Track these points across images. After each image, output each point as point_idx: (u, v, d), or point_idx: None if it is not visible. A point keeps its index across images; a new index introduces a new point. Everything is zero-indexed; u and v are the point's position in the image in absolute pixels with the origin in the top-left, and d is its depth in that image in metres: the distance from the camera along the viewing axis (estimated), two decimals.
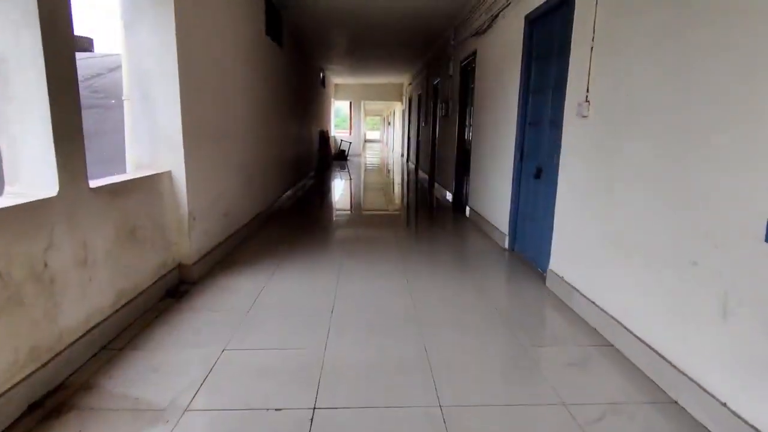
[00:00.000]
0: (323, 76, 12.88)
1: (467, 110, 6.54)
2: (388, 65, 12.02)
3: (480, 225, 5.32)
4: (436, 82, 9.12)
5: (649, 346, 2.15)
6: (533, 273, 3.66)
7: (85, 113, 4.42)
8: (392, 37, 8.34)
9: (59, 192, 2.06)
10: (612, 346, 2.44)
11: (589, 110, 2.77)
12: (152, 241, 2.97)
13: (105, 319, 2.41)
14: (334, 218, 6.12)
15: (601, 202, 2.63)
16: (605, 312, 2.54)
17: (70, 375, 2.10)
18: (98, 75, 5.47)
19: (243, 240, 4.56)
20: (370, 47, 9.38)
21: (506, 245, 4.34)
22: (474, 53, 5.81)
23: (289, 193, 7.34)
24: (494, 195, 4.82)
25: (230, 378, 2.13)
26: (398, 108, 19.83)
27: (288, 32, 7.15)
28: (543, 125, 3.65)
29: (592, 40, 2.73)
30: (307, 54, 9.51)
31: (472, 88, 6.15)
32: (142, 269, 2.83)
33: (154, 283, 2.97)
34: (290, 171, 7.60)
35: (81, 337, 2.21)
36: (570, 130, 3.05)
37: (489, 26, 4.98)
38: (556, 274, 3.20)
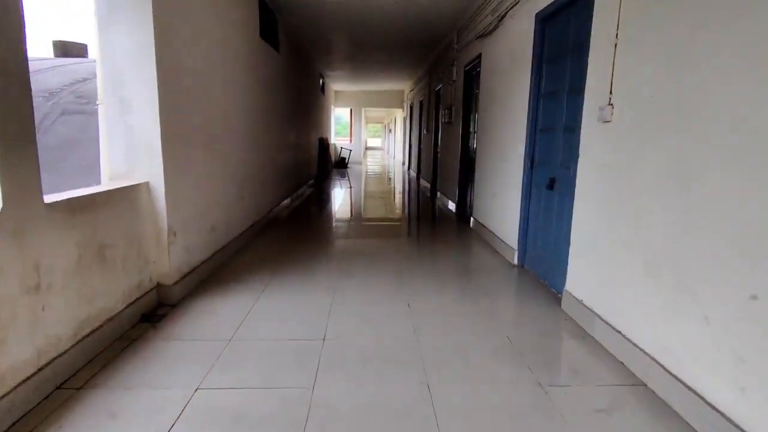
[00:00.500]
0: (323, 83, 12.65)
1: (471, 116, 6.27)
2: (388, 71, 11.79)
3: (486, 238, 5.01)
4: (438, 88, 8.86)
5: (693, 391, 1.83)
6: (546, 293, 3.34)
7: (68, 119, 4.07)
8: (393, 42, 8.10)
9: (3, 208, 1.77)
10: (644, 385, 2.12)
11: (612, 114, 2.47)
12: (125, 260, 2.67)
13: (62, 354, 2.11)
14: (332, 229, 5.82)
15: (629, 219, 2.32)
16: (634, 344, 2.22)
17: (13, 423, 1.79)
18: (84, 80, 5.21)
19: (233, 254, 4.26)
20: (371, 52, 9.14)
21: (515, 261, 4.03)
22: (479, 57, 5.54)
23: (286, 201, 7.05)
24: (501, 206, 4.51)
25: (201, 426, 1.81)
26: (399, 115, 19.61)
27: (285, 36, 6.91)
28: (556, 132, 3.35)
29: (616, 36, 2.44)
30: (306, 59, 9.28)
31: (477, 94, 5.87)
32: (111, 292, 2.53)
33: (126, 308, 2.67)
34: (288, 179, 7.32)
35: (30, 377, 1.90)
36: (589, 136, 2.75)
37: (495, 27, 4.71)
38: (573, 296, 2.88)
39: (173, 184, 3.07)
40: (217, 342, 2.51)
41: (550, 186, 3.38)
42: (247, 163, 4.86)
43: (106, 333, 2.47)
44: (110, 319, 2.51)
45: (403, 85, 15.38)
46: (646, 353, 2.13)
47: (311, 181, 10.58)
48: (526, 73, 3.85)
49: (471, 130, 6.30)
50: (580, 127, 2.85)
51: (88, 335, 2.30)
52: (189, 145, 3.33)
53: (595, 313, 2.59)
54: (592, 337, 2.59)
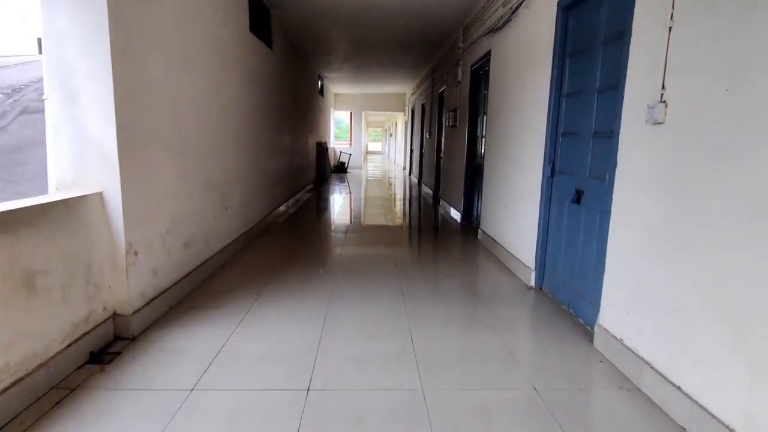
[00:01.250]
0: (322, 85, 12.22)
1: (479, 119, 5.80)
2: (390, 73, 11.36)
3: (496, 253, 4.53)
4: (441, 89, 8.41)
5: None
6: (572, 325, 2.86)
7: (30, 119, 3.63)
8: (394, 41, 7.65)
9: None
10: None
11: (665, 114, 2.00)
12: (67, 289, 2.19)
13: None
14: (327, 241, 5.35)
15: (701, 259, 1.84)
16: (707, 411, 1.74)
17: None
18: None
19: (214, 272, 3.78)
20: (372, 52, 8.70)
21: (531, 282, 3.55)
22: (487, 54, 5.08)
23: (281, 209, 6.58)
24: (515, 219, 4.03)
25: None
26: (400, 119, 19.18)
27: (280, 33, 6.45)
28: (583, 136, 2.88)
29: (671, 18, 1.97)
30: (304, 59, 8.84)
31: (485, 95, 5.41)
32: (44, 331, 2.05)
33: (68, 347, 2.19)
34: (282, 185, 6.86)
35: None
36: (632, 141, 2.27)
37: (508, 21, 4.25)
38: (610, 333, 2.40)
39: (134, 195, 2.60)
40: (175, 393, 2.03)
41: (577, 199, 2.90)
42: (232, 169, 4.39)
43: (39, 382, 1.98)
44: (44, 364, 2.02)
45: (404, 88, 14.95)
46: (724, 424, 1.65)
47: (309, 187, 10.11)
48: (544, 70, 3.38)
49: (478, 133, 5.84)
50: (617, 131, 2.38)
51: (7, 388, 1.82)
52: (155, 148, 2.85)
53: (644, 360, 2.11)
54: (641, 391, 2.10)
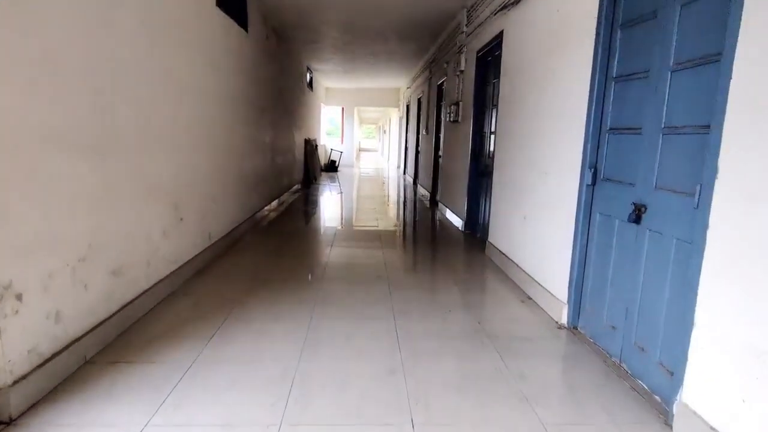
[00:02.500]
0: (311, 77, 11.39)
1: (486, 113, 5.03)
2: (384, 65, 10.55)
3: (511, 274, 3.77)
4: (441, 81, 7.63)
5: None
6: (630, 390, 2.10)
7: None
8: (390, 27, 6.86)
9: None
10: None
11: None
12: None
13: None
14: (308, 256, 4.56)
15: None
16: None
17: None
18: None
19: (157, 306, 2.98)
20: (364, 40, 7.89)
21: (563, 319, 2.79)
22: (498, 37, 4.31)
23: (260, 213, 5.76)
24: (538, 235, 3.27)
25: None
26: (394, 115, 18.39)
27: (258, 14, 5.63)
28: (647, 132, 2.12)
29: None
30: (289, 48, 8.01)
31: (494, 85, 4.64)
32: None
33: None
34: (262, 187, 6.05)
35: None
36: (748, 139, 1.51)
37: None
38: (705, 422, 1.64)
39: (11, 214, 1.80)
40: None
41: (635, 218, 2.14)
42: (190, 172, 3.59)
43: None
44: None
45: (398, 83, 14.15)
46: None
47: (296, 187, 9.30)
48: (583, 47, 2.62)
49: (485, 130, 5.07)
50: (717, 125, 1.62)
51: None
52: (56, 149, 2.05)
53: None
54: None
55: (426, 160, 9.27)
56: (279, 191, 7.48)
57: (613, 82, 2.42)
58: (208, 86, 3.94)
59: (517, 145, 3.78)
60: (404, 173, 13.94)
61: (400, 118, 15.40)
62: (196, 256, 3.69)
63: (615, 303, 2.36)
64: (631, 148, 2.25)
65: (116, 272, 2.54)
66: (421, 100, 10.16)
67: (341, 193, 9.98)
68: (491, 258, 4.36)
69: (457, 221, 5.96)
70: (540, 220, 3.23)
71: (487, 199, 4.83)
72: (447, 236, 5.51)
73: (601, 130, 2.51)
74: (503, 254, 4.00)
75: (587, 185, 2.58)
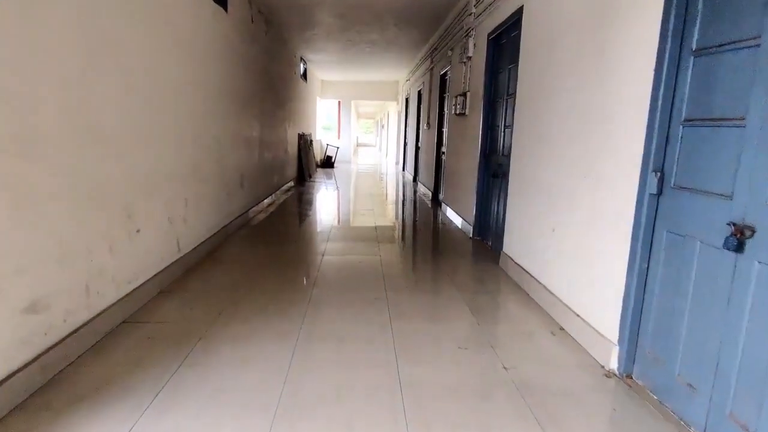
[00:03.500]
0: (305, 69, 10.73)
1: (500, 105, 4.41)
2: (382, 56, 9.90)
3: (534, 294, 3.17)
4: (444, 71, 7.00)
5: None
6: None
7: None
8: (389, 13, 6.21)
9: None
10: None
11: None
12: None
13: None
14: (295, 267, 3.95)
15: None
16: None
17: None
18: None
19: (101, 339, 2.37)
20: (361, 28, 7.24)
21: (612, 364, 2.19)
22: (517, 14, 3.69)
23: (246, 215, 5.14)
24: (574, 254, 2.67)
25: None
26: (393, 109, 17.73)
27: None
28: (753, 124, 1.51)
29: None
30: (281, 35, 7.35)
31: (510, 71, 4.02)
32: None
33: None
34: (248, 186, 5.42)
35: None
36: None
37: None
38: None
39: None
40: None
41: (736, 244, 1.53)
42: (151, 172, 2.96)
43: None
44: None
45: (397, 75, 13.50)
46: None
47: (288, 185, 8.67)
48: (647, 10, 2.00)
49: (498, 123, 4.45)
50: None
51: None
52: None
53: None
54: None
55: (427, 157, 8.65)
56: (268, 190, 6.85)
57: (693, 57, 1.81)
58: (174, 70, 3.30)
59: (543, 142, 3.16)
60: (403, 170, 13.32)
61: (399, 113, 14.75)
62: (159, 272, 3.08)
63: (695, 353, 1.76)
64: (724, 145, 1.64)
65: (33, 308, 1.92)
66: (422, 92, 9.52)
67: (337, 189, 9.38)
68: (507, 272, 3.76)
69: (464, 225, 5.36)
70: (578, 235, 2.63)
71: (501, 203, 4.23)
72: (453, 243, 4.90)
73: (672, 121, 1.90)
74: (524, 270, 3.40)
75: (650, 194, 1.98)
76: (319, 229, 5.47)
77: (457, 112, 5.64)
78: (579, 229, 2.61)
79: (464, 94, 5.41)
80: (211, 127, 4.15)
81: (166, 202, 3.22)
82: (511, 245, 3.77)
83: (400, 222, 6.26)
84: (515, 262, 3.61)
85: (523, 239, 3.51)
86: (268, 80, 6.69)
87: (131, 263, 2.74)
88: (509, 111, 4.10)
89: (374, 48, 8.96)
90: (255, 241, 4.67)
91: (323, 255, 4.21)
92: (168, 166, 3.23)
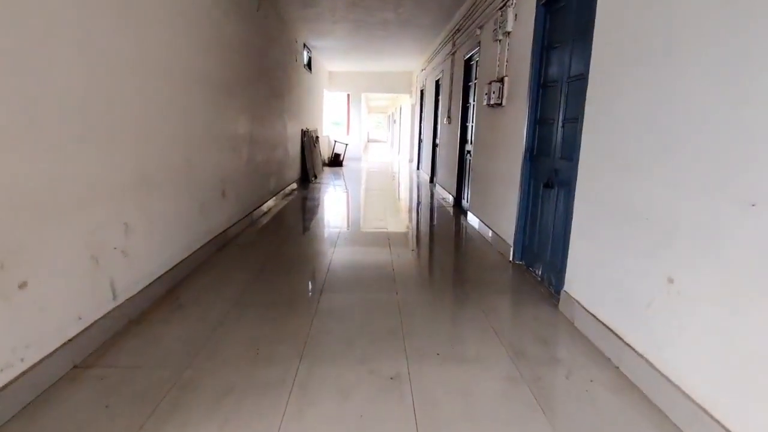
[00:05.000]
0: (309, 57, 9.68)
1: (554, 92, 3.31)
2: (395, 41, 8.80)
3: (631, 373, 2.11)
4: (470, 54, 5.90)
5: None
6: None
7: None
8: None
9: None
10: None
11: None
12: None
13: None
14: (280, 312, 2.92)
15: None
16: None
17: None
18: None
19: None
20: (372, 3, 6.16)
21: None
22: None
23: (228, 232, 4.13)
24: (731, 335, 1.59)
25: None
26: (406, 102, 16.63)
27: None
28: None
29: None
30: (278, 15, 6.31)
31: (574, 45, 2.92)
32: None
33: None
34: (232, 195, 4.41)
35: None
36: None
37: None
38: None
39: None
40: None
41: None
42: (29, 193, 1.95)
43: None
44: None
45: (411, 65, 12.39)
46: None
47: (291, 187, 7.66)
48: None
49: (552, 116, 3.35)
50: None
51: None
52: None
53: None
54: None
55: (448, 156, 7.55)
56: (262, 197, 5.84)
57: None
58: (114, 43, 2.28)
59: (647, 144, 2.08)
60: (418, 168, 12.23)
61: (413, 106, 13.65)
62: (70, 340, 2.07)
63: None
64: None
65: None
66: (440, 81, 8.41)
67: (347, 191, 8.37)
68: (574, 322, 2.70)
69: (499, 243, 4.29)
70: (730, 302, 1.55)
71: (559, 223, 3.15)
72: (488, 268, 3.83)
73: None
74: (607, 328, 2.33)
75: None
76: (319, 249, 4.44)
77: (490, 102, 4.54)
78: (730, 291, 1.53)
79: (501, 80, 4.31)
80: (175, 122, 3.13)
81: (89, 233, 2.21)
82: (580, 285, 2.69)
83: (419, 237, 5.20)
84: (589, 312, 2.53)
85: (603, 281, 2.43)
86: (262, 68, 5.66)
87: (10, 337, 1.74)
88: (572, 100, 3.02)
89: (387, 30, 7.87)
90: (236, 268, 3.65)
91: (321, 293, 3.17)
92: (90, 178, 2.22)
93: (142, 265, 2.72)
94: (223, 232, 4.22)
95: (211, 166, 3.92)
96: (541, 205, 3.53)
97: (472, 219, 5.46)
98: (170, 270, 3.08)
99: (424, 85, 10.96)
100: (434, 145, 9.21)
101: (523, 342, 2.50)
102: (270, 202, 6.23)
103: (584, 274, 2.67)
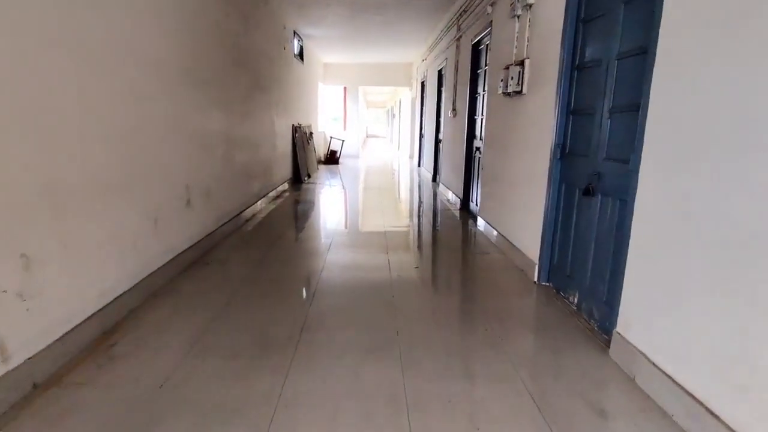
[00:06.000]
0: (301, 47, 8.95)
1: (596, 73, 2.58)
2: (394, 28, 8.08)
3: None
4: (478, 38, 5.19)
5: None
6: None
7: None
8: None
9: None
10: None
11: None
12: None
13: None
14: (263, 337, 2.24)
15: None
16: None
17: None
18: None
19: None
20: None
21: None
22: None
23: (198, 247, 3.43)
24: None
25: None
26: (406, 96, 15.89)
27: None
28: None
29: None
30: (263, 0, 5.59)
31: (626, 11, 2.21)
32: None
33: None
34: (202, 205, 3.71)
35: None
36: None
37: None
38: None
39: None
40: None
41: None
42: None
43: None
44: None
45: (411, 55, 11.66)
46: None
47: (280, 189, 6.96)
48: None
49: (591, 104, 2.63)
50: None
51: None
52: None
53: None
54: None
55: (452, 153, 6.85)
56: (243, 203, 5.14)
57: None
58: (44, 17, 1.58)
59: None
60: (419, 165, 11.52)
61: (413, 99, 12.92)
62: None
63: None
64: None
65: None
66: (443, 71, 7.69)
67: (344, 190, 7.68)
68: (635, 378, 2.01)
69: (519, 258, 3.60)
70: None
71: (604, 241, 2.46)
72: (507, 292, 3.13)
73: None
74: (694, 399, 1.64)
75: None
76: (305, 270, 3.74)
77: (507, 90, 3.84)
78: None
79: (520, 63, 3.60)
80: (111, 113, 2.42)
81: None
82: (644, 329, 2.00)
83: (422, 250, 4.50)
84: (661, 370, 1.84)
85: (687, 330, 1.74)
86: (243, 56, 4.94)
87: None
88: (625, 83, 2.32)
89: (385, 15, 7.13)
90: (200, 295, 2.95)
91: (301, 332, 2.48)
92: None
93: (54, 308, 2.02)
94: (189, 248, 3.52)
95: (173, 169, 3.21)
96: (577, 216, 2.83)
97: (483, 225, 4.76)
98: (105, 307, 2.39)
99: (425, 77, 10.23)
100: (437, 141, 8.50)
101: (575, 418, 1.80)
102: (255, 206, 5.53)
103: (651, 315, 1.98)
